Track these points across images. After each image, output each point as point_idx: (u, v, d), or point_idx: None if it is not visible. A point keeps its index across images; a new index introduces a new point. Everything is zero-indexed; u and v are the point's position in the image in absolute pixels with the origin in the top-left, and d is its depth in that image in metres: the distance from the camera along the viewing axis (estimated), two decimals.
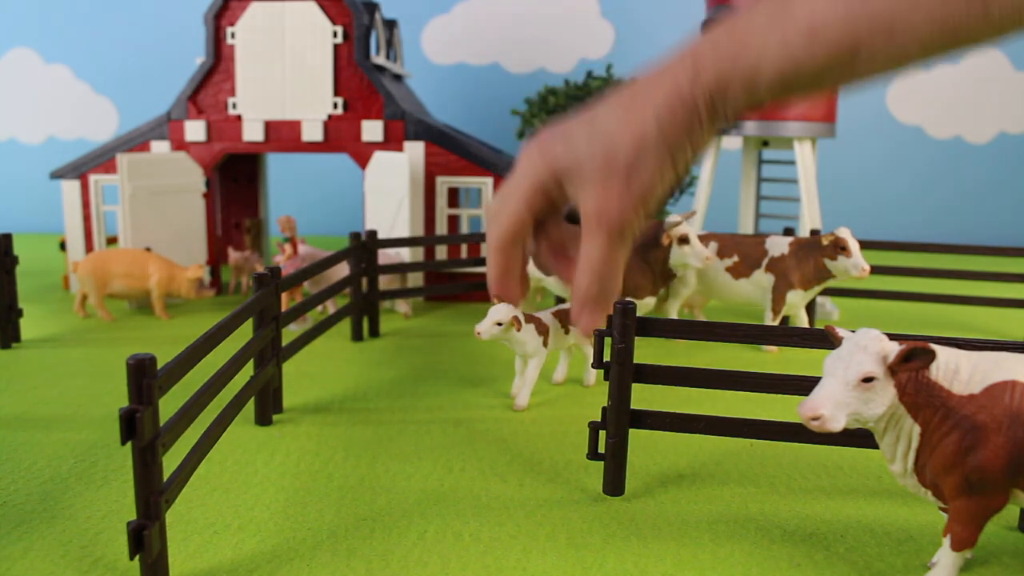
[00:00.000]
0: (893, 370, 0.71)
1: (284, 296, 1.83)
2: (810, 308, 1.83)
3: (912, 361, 0.69)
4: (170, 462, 0.91)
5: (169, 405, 1.19)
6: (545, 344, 1.33)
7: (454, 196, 2.26)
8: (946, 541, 0.75)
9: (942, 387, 0.71)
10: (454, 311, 2.07)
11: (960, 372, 0.72)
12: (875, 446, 0.92)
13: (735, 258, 1.74)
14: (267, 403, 1.22)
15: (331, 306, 1.97)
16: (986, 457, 0.69)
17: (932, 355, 0.69)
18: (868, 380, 0.70)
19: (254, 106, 2.15)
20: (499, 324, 1.22)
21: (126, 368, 0.71)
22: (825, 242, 1.64)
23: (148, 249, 2.00)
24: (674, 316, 1.80)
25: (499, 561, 0.84)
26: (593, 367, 0.97)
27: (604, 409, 0.98)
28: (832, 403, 0.70)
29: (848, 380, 0.70)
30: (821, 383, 0.71)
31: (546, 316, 1.35)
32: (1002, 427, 0.69)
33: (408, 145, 2.12)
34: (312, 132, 2.14)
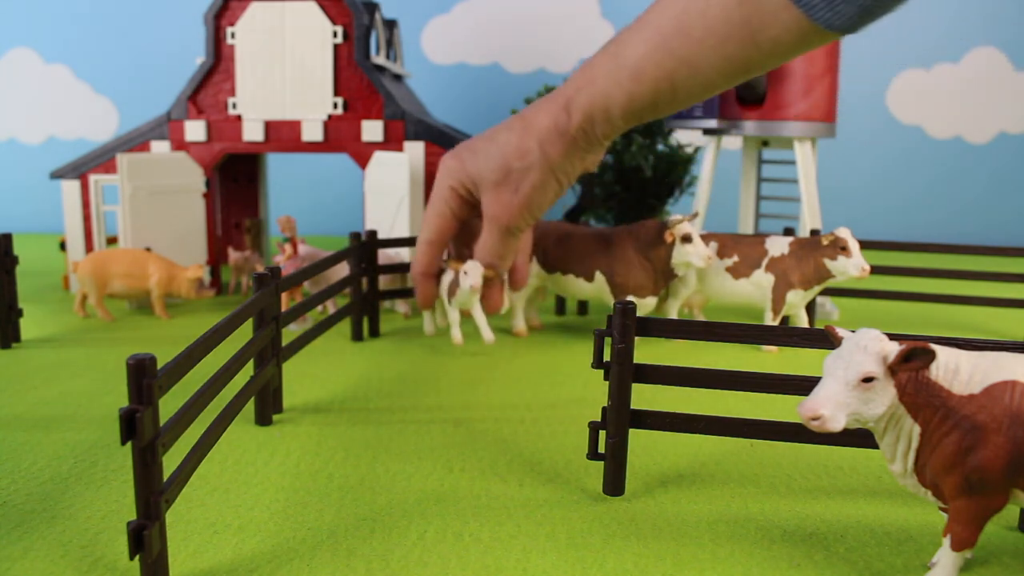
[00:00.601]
0: (893, 370, 0.71)
1: (284, 296, 1.83)
2: (810, 308, 1.83)
3: (912, 361, 0.70)
4: (170, 462, 0.91)
5: (169, 405, 1.19)
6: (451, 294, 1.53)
7: None
8: (946, 541, 0.75)
9: (942, 387, 0.71)
10: None
11: (960, 372, 0.72)
12: (875, 446, 0.92)
13: (735, 258, 1.74)
14: (267, 403, 1.22)
15: (331, 306, 1.97)
16: (986, 457, 0.69)
17: (932, 355, 0.69)
18: (868, 380, 0.70)
19: (254, 106, 2.15)
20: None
21: (126, 368, 0.71)
22: (825, 242, 1.64)
23: (148, 249, 2.00)
24: (674, 316, 1.80)
25: (499, 561, 0.84)
26: (593, 367, 0.97)
27: (604, 409, 0.98)
28: (832, 403, 0.70)
29: (848, 380, 0.70)
30: (821, 383, 0.72)
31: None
32: (1002, 427, 0.69)
33: (408, 145, 2.12)
34: (312, 132, 2.14)
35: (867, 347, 0.71)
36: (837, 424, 0.70)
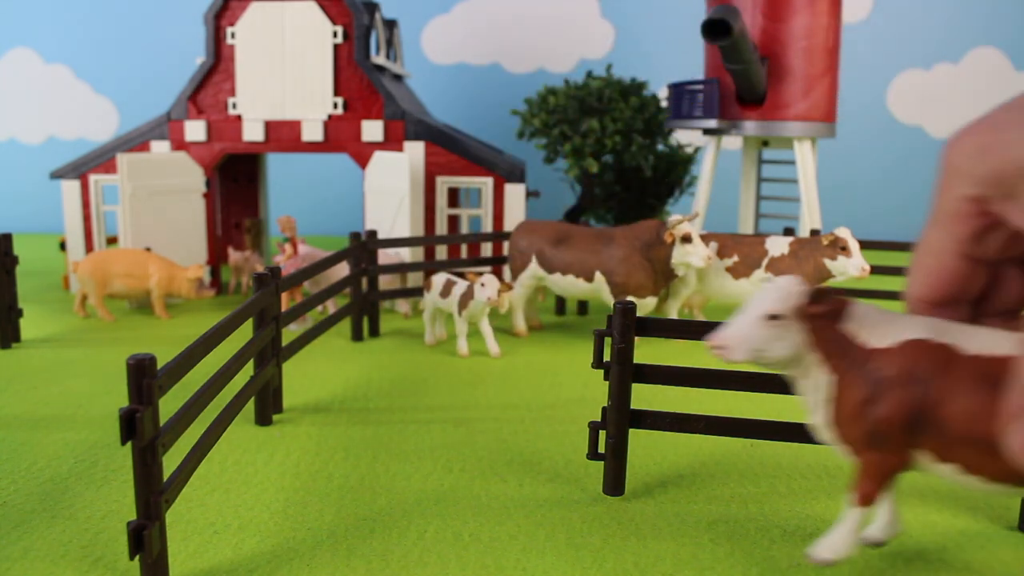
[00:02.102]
0: (803, 314, 0.72)
1: (284, 296, 1.83)
2: None
3: (818, 304, 0.71)
4: (170, 462, 0.91)
5: (169, 405, 1.19)
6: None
7: (454, 196, 2.27)
8: (851, 496, 0.74)
9: (854, 339, 0.71)
10: None
11: (878, 327, 0.71)
12: None
13: (735, 258, 1.74)
14: (267, 403, 1.22)
15: (331, 306, 1.97)
16: (887, 411, 0.69)
17: (836, 302, 0.70)
18: (774, 317, 0.72)
19: (254, 106, 2.15)
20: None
21: (126, 368, 0.71)
22: (825, 242, 1.64)
23: (148, 249, 2.00)
24: (674, 316, 1.80)
25: (498, 561, 0.84)
26: (593, 367, 0.97)
27: (604, 409, 0.98)
28: (737, 336, 0.72)
29: (756, 316, 0.72)
30: (737, 320, 0.73)
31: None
32: (906, 383, 0.68)
33: (408, 145, 2.12)
34: (312, 132, 2.14)
35: (780, 289, 0.73)
36: (736, 355, 0.72)
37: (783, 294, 0.72)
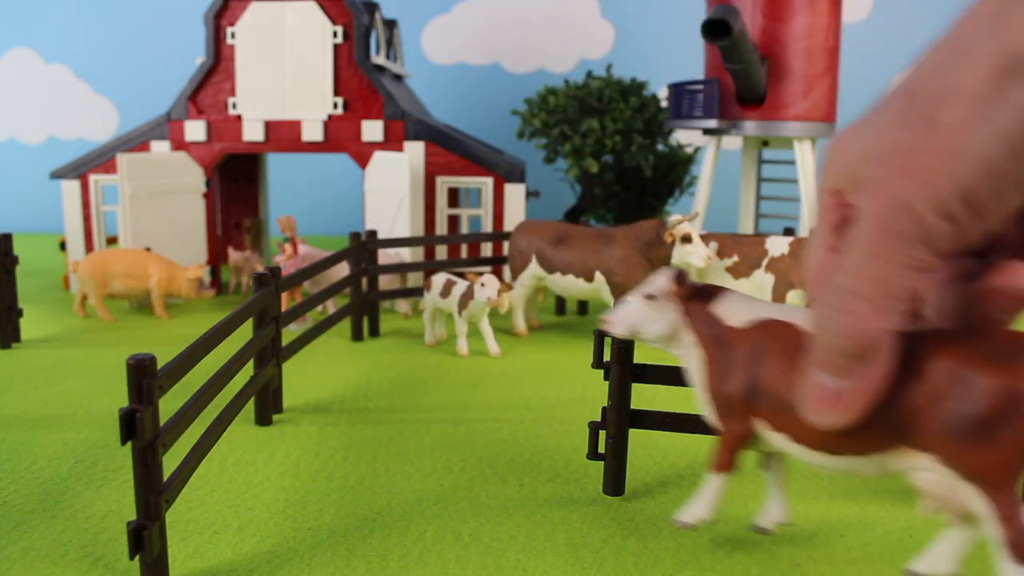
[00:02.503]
0: (676, 295, 0.81)
1: (284, 296, 1.83)
2: None
3: (680, 285, 0.81)
4: (170, 462, 0.91)
5: (169, 405, 1.19)
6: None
7: (454, 196, 2.27)
8: (710, 464, 0.81)
9: (719, 319, 0.79)
10: None
11: (739, 309, 0.78)
12: None
13: (735, 258, 1.74)
14: (267, 403, 1.22)
15: (331, 306, 1.97)
16: (733, 384, 0.75)
17: (712, 290, 0.80)
18: (650, 297, 0.82)
19: (254, 106, 2.15)
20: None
21: (126, 368, 0.71)
22: None
23: (148, 249, 2.00)
24: None
25: (498, 561, 0.84)
26: (593, 367, 0.98)
27: (604, 409, 0.98)
28: (621, 313, 0.83)
29: (638, 297, 0.83)
30: (627, 301, 0.84)
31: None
32: (749, 358, 0.74)
33: (408, 145, 2.12)
34: (312, 132, 2.14)
35: (660, 275, 0.83)
36: (619, 329, 0.83)
37: (660, 279, 0.83)
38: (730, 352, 0.77)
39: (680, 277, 0.81)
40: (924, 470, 0.62)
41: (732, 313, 0.78)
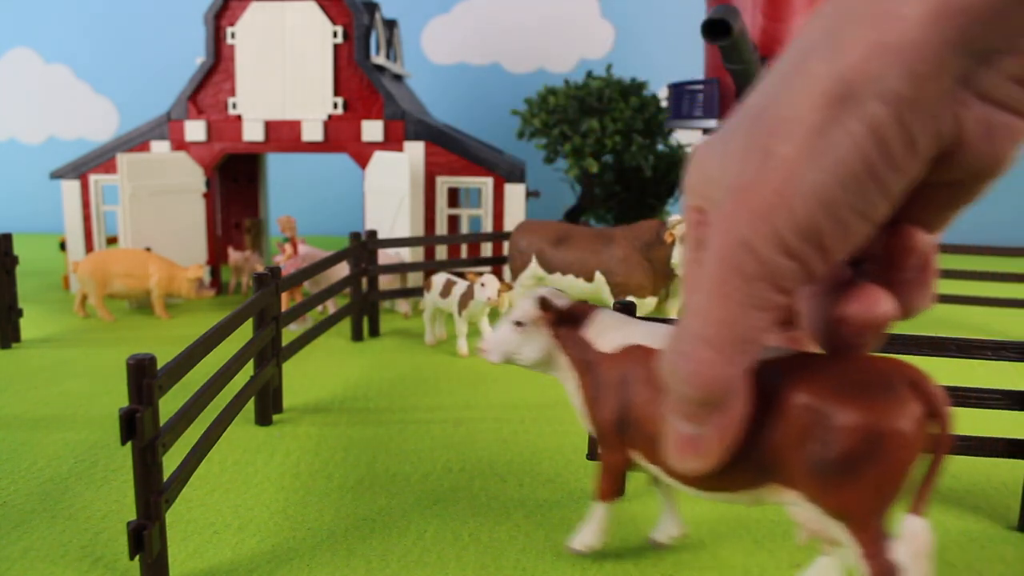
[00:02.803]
0: (543, 320, 0.80)
1: (284, 296, 1.83)
2: None
3: (546, 310, 0.79)
4: (170, 462, 0.91)
5: (169, 405, 1.19)
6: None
7: (454, 196, 2.27)
8: (594, 492, 0.81)
9: (590, 344, 0.77)
10: None
11: (610, 332, 0.76)
12: None
13: None
14: (267, 403, 1.22)
15: (331, 306, 1.97)
16: (603, 412, 0.74)
17: (575, 309, 0.79)
18: (519, 324, 0.80)
19: (254, 106, 2.15)
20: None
21: (126, 368, 0.71)
22: None
23: (148, 249, 2.00)
24: (674, 316, 1.80)
25: (498, 561, 0.84)
26: None
27: None
28: (494, 341, 0.82)
29: (508, 324, 0.81)
30: (499, 327, 0.83)
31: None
32: (617, 386, 0.72)
33: (408, 145, 2.12)
34: (312, 132, 2.14)
35: (527, 301, 0.81)
36: (494, 357, 0.82)
37: (526, 304, 0.81)
38: (599, 378, 0.74)
39: (544, 303, 0.79)
40: (794, 505, 0.61)
41: (602, 337, 0.76)
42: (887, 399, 0.56)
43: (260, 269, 1.87)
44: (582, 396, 0.77)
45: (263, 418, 1.22)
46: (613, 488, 0.80)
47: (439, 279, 1.68)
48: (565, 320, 0.80)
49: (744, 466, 0.60)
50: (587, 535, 0.84)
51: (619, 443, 0.73)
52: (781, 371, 0.56)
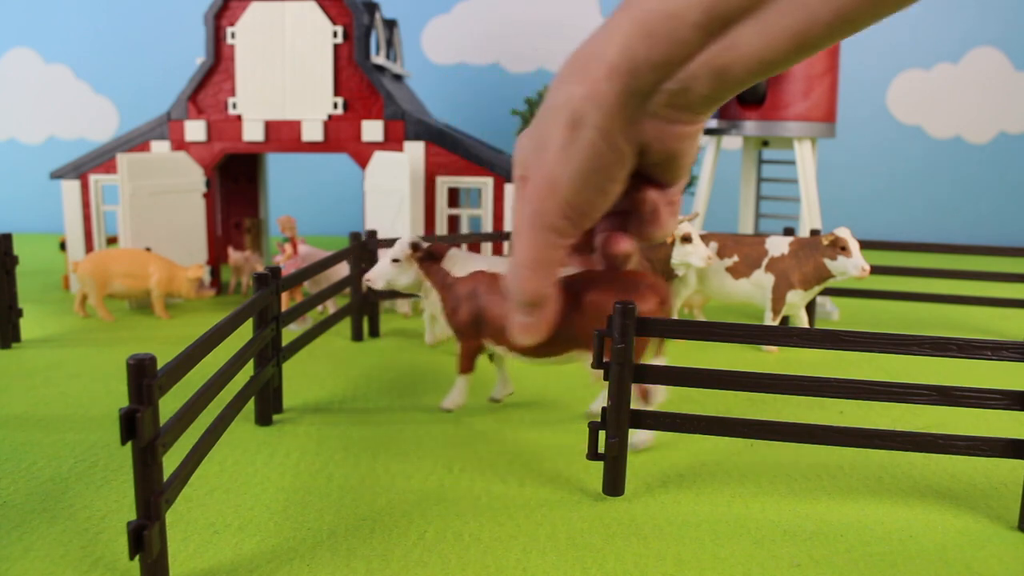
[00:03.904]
0: (413, 257, 1.22)
1: (284, 296, 1.83)
2: (810, 308, 1.83)
3: (416, 250, 1.22)
4: (170, 462, 0.91)
5: (169, 405, 1.19)
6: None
7: (454, 196, 2.26)
8: (457, 367, 1.24)
9: (447, 272, 1.21)
10: None
11: (460, 264, 1.20)
12: (875, 447, 0.93)
13: (735, 258, 1.74)
14: (267, 403, 1.22)
15: (331, 306, 1.97)
16: (461, 315, 1.18)
17: (434, 248, 1.22)
18: (395, 261, 1.23)
19: (254, 106, 2.15)
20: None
21: (126, 368, 0.71)
22: (825, 242, 1.64)
23: (148, 249, 2.00)
24: (674, 316, 1.80)
25: (499, 561, 0.84)
26: (593, 367, 0.97)
27: (604, 409, 0.98)
28: (377, 273, 1.25)
29: (387, 260, 1.23)
30: (379, 262, 1.26)
31: None
32: (470, 297, 1.17)
33: (408, 145, 2.12)
34: (312, 132, 2.14)
35: (399, 244, 1.23)
36: (377, 284, 1.25)
37: (402, 244, 1.22)
38: (455, 294, 1.18)
39: (415, 245, 1.21)
40: (585, 361, 1.11)
41: (456, 267, 1.20)
42: (638, 293, 1.08)
43: (260, 269, 1.87)
44: (442, 308, 1.21)
45: (263, 418, 1.22)
46: (470, 365, 1.23)
47: None
48: (428, 257, 1.22)
49: (559, 339, 1.10)
50: (455, 398, 1.26)
51: (474, 334, 1.18)
52: (578, 281, 1.07)
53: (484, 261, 1.18)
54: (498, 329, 1.14)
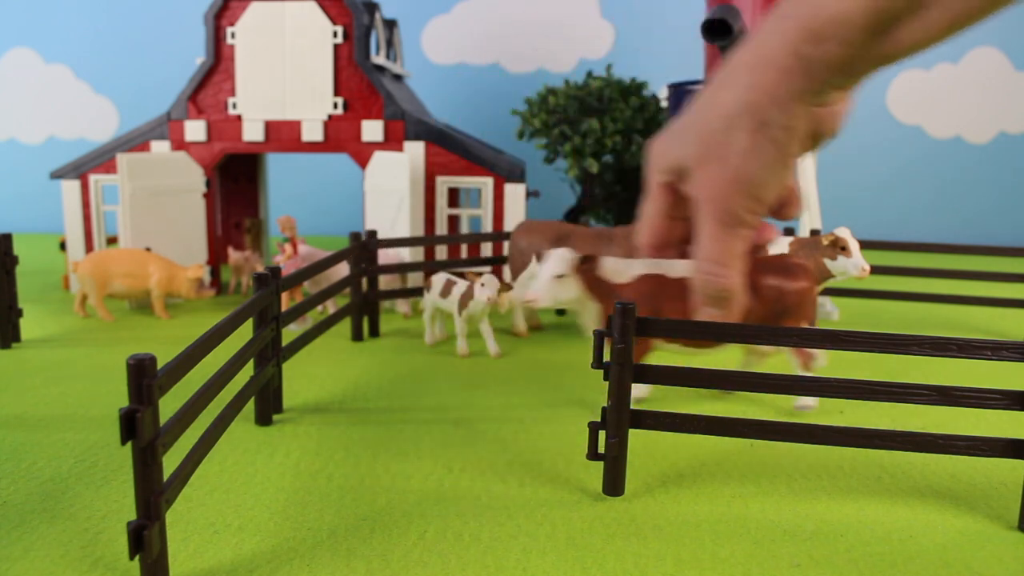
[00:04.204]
0: (575, 271, 1.23)
1: (284, 296, 1.83)
2: None
3: (584, 263, 1.23)
4: (170, 462, 0.91)
5: (169, 405, 1.19)
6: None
7: (454, 196, 2.26)
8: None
9: (609, 281, 1.24)
10: None
11: (619, 272, 1.24)
12: (875, 447, 0.93)
13: None
14: (267, 403, 1.22)
15: (331, 306, 1.97)
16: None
17: (594, 259, 1.24)
18: (560, 276, 1.22)
19: (254, 106, 2.15)
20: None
21: (126, 368, 0.71)
22: (825, 242, 1.64)
23: (148, 249, 2.00)
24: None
25: (499, 561, 0.84)
26: (593, 367, 0.97)
27: (604, 409, 0.98)
28: (540, 291, 1.23)
29: (548, 277, 1.22)
30: (537, 279, 1.23)
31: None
32: (643, 302, 1.22)
33: (408, 145, 2.12)
34: (312, 132, 2.14)
35: (560, 257, 1.23)
36: (543, 302, 1.23)
37: (563, 261, 1.22)
38: (623, 299, 1.16)
39: (584, 258, 1.23)
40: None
41: (615, 274, 1.24)
42: (795, 275, 1.24)
43: (260, 269, 1.87)
44: (604, 316, 1.22)
45: (263, 418, 1.22)
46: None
47: (439, 279, 1.68)
48: (586, 267, 1.23)
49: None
50: (640, 393, 1.32)
51: (645, 339, 1.21)
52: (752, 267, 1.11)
53: (640, 265, 1.23)
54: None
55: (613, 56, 3.55)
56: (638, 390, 1.31)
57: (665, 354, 1.65)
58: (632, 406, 0.98)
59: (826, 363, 1.42)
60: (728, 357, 1.66)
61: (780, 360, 1.65)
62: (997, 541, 0.90)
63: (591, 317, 1.24)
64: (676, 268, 1.24)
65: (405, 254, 2.01)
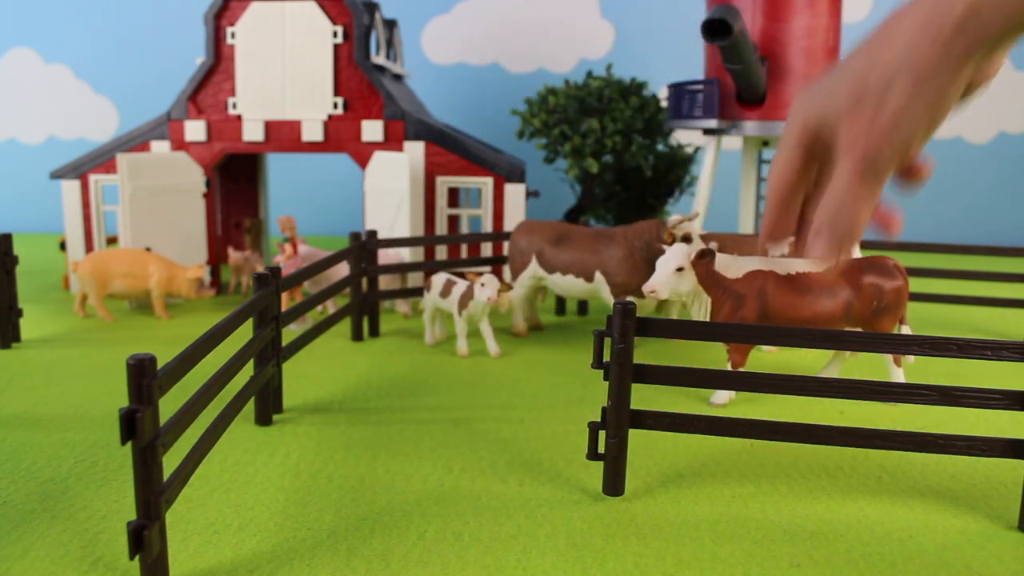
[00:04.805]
0: (693, 264, 1.29)
1: (284, 296, 1.83)
2: None
3: (702, 258, 1.29)
4: (170, 462, 0.91)
5: (169, 405, 1.19)
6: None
7: (454, 196, 2.26)
8: (728, 365, 1.33)
9: (722, 275, 1.30)
10: None
11: (731, 267, 1.30)
12: (875, 447, 0.93)
13: None
14: (267, 403, 1.22)
15: (331, 306, 1.97)
16: (746, 314, 1.29)
17: (712, 253, 1.30)
18: (680, 270, 1.29)
19: (254, 106, 2.15)
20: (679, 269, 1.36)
21: (126, 368, 0.71)
22: None
23: (148, 249, 2.00)
24: (674, 316, 1.80)
25: (499, 561, 0.84)
26: (593, 367, 0.97)
27: (604, 409, 0.98)
28: (661, 283, 1.30)
29: (670, 270, 1.29)
30: (656, 272, 1.31)
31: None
32: (754, 296, 1.28)
33: (408, 145, 2.12)
34: (312, 132, 2.14)
35: (678, 251, 1.30)
36: (663, 295, 1.30)
37: (682, 254, 1.30)
38: (735, 294, 1.29)
39: (702, 252, 1.28)
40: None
41: (729, 270, 1.30)
42: (892, 274, 1.31)
43: (260, 269, 1.87)
44: (716, 309, 1.30)
45: (263, 418, 1.22)
46: (743, 360, 1.32)
47: (439, 279, 1.68)
48: (703, 262, 1.29)
49: (840, 322, 1.31)
50: (723, 398, 1.33)
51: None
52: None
53: (752, 262, 1.30)
54: (785, 323, 1.27)
55: (613, 56, 3.55)
56: (719, 397, 1.33)
57: (665, 352, 1.65)
58: (717, 413, 1.05)
59: (913, 361, 1.57)
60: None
61: (777, 359, 1.65)
62: (997, 541, 0.90)
63: (703, 309, 1.31)
64: (786, 265, 1.29)
65: (405, 254, 2.01)
